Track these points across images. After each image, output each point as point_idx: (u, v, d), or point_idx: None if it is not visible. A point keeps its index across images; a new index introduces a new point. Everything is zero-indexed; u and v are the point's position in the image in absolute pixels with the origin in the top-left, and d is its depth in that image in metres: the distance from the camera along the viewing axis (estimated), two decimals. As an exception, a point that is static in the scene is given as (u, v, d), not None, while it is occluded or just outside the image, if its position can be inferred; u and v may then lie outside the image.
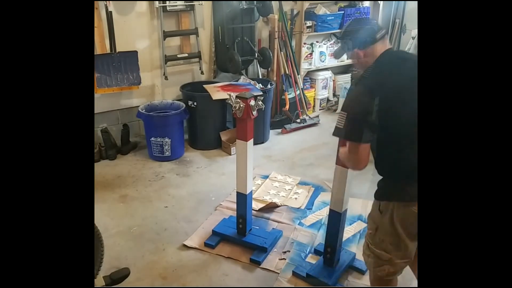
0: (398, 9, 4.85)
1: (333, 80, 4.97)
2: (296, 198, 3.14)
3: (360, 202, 3.07)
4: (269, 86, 4.02)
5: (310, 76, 4.84)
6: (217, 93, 3.64)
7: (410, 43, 3.57)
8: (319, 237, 2.66)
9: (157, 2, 3.70)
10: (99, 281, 1.84)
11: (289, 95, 4.42)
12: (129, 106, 3.94)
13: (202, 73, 4.11)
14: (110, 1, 3.49)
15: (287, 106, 4.38)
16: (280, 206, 3.00)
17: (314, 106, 4.88)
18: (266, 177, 3.45)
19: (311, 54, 4.68)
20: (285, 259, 2.47)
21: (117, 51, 3.58)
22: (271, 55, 4.18)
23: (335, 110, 4.90)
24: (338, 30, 4.72)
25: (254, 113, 2.27)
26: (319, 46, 4.72)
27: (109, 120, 3.88)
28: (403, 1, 4.78)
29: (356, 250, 2.53)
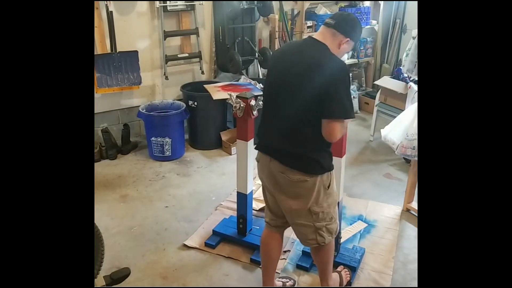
0: (398, 9, 4.85)
1: (334, 80, 4.97)
2: (296, 198, 3.13)
3: (360, 202, 3.07)
4: (269, 86, 4.01)
5: (310, 76, 4.82)
6: (217, 93, 3.64)
7: (410, 43, 3.56)
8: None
9: (157, 2, 3.70)
10: (99, 280, 1.84)
11: (290, 95, 4.41)
12: (130, 106, 3.94)
13: (202, 73, 4.11)
14: (111, 1, 3.49)
15: (288, 106, 4.36)
16: (280, 206, 2.99)
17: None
18: (266, 177, 3.44)
19: (311, 54, 4.67)
20: (285, 259, 2.47)
21: (117, 51, 3.58)
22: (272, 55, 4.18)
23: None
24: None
25: (255, 113, 2.27)
26: (320, 46, 4.71)
27: (110, 120, 3.88)
28: (403, 1, 4.78)
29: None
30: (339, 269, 2.27)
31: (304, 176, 1.79)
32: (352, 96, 1.77)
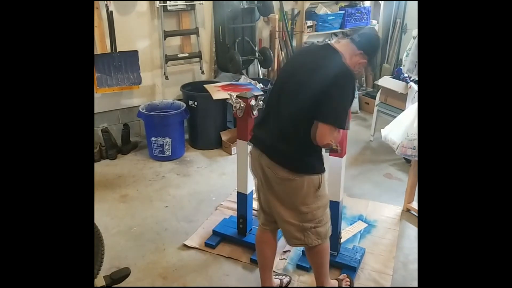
0: (399, 9, 4.85)
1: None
2: (296, 198, 3.13)
3: (361, 202, 3.07)
4: (269, 85, 4.02)
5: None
6: (217, 92, 3.64)
7: (411, 43, 3.56)
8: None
9: (157, 1, 3.70)
10: (99, 280, 1.84)
11: (290, 95, 4.41)
12: (130, 105, 3.94)
13: (202, 72, 4.11)
14: (111, 1, 3.49)
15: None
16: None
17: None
18: (266, 177, 3.44)
19: (311, 53, 4.67)
20: (286, 259, 2.47)
21: (117, 51, 3.58)
22: (272, 55, 4.18)
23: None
24: (339, 30, 4.72)
25: (255, 112, 2.27)
26: (320, 46, 4.71)
27: (110, 120, 3.88)
28: (403, 1, 4.78)
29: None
30: (341, 277, 2.26)
31: (290, 175, 1.79)
32: (349, 109, 1.77)
